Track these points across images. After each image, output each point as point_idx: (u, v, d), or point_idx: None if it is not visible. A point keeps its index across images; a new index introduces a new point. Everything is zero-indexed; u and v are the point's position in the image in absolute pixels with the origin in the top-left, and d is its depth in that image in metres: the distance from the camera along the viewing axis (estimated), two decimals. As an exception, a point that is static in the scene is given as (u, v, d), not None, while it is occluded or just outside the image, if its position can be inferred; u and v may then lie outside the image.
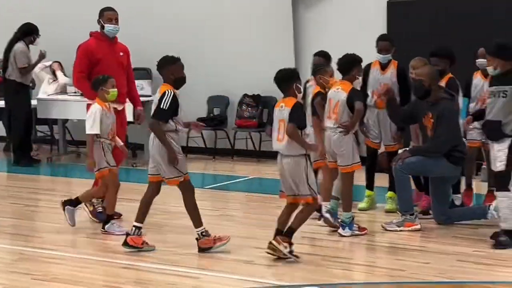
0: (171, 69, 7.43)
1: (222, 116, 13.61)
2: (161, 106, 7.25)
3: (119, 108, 8.82)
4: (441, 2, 11.88)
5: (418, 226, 8.10)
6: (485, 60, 7.86)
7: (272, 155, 11.12)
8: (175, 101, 7.29)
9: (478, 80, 9.02)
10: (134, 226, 7.48)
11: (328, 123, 8.02)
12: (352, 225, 7.93)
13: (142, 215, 7.53)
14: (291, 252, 7.09)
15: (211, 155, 13.57)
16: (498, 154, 7.37)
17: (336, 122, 7.90)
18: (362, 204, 9.06)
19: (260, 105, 13.19)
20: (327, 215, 8.13)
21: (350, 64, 8.01)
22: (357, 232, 7.89)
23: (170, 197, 8.54)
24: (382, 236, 7.97)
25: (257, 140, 13.25)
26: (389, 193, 9.04)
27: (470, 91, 9.09)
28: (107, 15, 8.78)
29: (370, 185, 9.22)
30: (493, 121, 7.43)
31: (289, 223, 7.20)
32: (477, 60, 9.02)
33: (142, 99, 12.69)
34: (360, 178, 8.89)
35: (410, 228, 8.04)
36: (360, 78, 8.19)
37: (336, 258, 7.34)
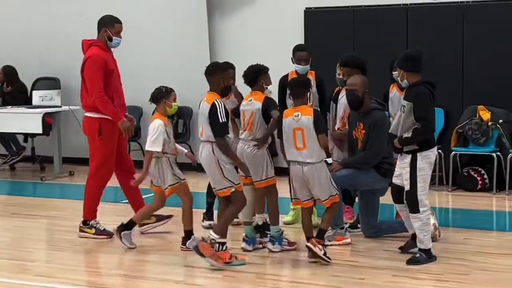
0: (223, 76, 7.38)
1: (135, 127, 13.22)
2: (221, 121, 7.14)
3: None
4: (359, 11, 11.82)
5: (349, 240, 7.93)
6: None
7: (189, 167, 10.78)
8: (226, 110, 7.26)
9: (394, 93, 8.59)
10: (217, 242, 7.16)
11: (242, 135, 7.74)
12: (281, 239, 7.71)
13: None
14: (325, 254, 7.22)
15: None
16: (403, 171, 7.28)
17: (251, 133, 7.65)
18: (287, 217, 8.85)
19: (175, 116, 12.85)
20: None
21: (255, 74, 7.72)
22: (286, 247, 7.68)
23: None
24: (312, 251, 7.74)
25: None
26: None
27: (388, 105, 8.66)
28: (118, 28, 8.45)
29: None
30: (391, 135, 7.37)
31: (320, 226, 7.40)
32: (393, 72, 8.43)
33: (51, 110, 12.45)
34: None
35: (340, 242, 7.86)
36: (270, 87, 7.87)
37: (267, 275, 7.13)
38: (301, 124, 7.27)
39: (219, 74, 7.34)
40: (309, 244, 7.23)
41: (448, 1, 11.35)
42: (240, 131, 7.80)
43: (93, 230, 8.34)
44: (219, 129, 7.16)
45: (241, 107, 7.79)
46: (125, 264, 7.13)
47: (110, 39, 8.40)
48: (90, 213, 8.39)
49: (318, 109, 8.60)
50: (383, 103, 8.19)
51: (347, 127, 8.27)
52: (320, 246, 7.20)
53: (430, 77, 7.35)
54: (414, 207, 7.22)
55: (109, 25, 8.40)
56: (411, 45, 11.17)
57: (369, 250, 7.72)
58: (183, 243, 7.75)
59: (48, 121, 12.34)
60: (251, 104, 7.67)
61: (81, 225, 8.40)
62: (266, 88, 7.73)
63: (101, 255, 7.72)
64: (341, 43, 11.57)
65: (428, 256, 7.27)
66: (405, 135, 7.18)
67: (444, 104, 10.64)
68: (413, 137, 7.14)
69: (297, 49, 8.87)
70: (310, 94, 7.48)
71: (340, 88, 8.54)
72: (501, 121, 10.73)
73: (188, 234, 7.78)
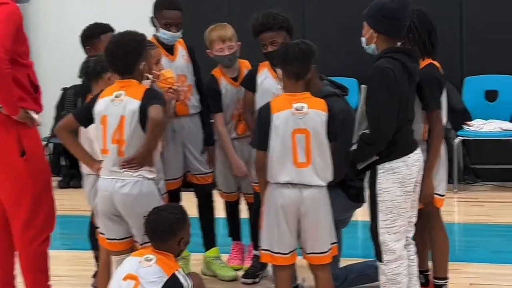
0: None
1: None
2: None
3: None
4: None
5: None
6: None
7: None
8: None
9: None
10: None
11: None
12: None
13: None
14: None
15: None
16: None
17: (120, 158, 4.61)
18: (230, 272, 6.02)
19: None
20: None
21: (135, 51, 4.61)
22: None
23: None
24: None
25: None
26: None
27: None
28: None
29: None
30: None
31: None
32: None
33: None
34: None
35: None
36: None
37: None
38: (308, 123, 4.48)
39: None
40: None
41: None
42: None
43: None
44: None
45: (99, 109, 4.56)
46: None
47: None
48: None
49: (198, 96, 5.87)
50: (342, 85, 5.37)
51: None
52: None
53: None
54: (377, 253, 4.61)
55: None
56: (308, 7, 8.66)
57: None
58: None
59: None
60: (121, 103, 4.52)
61: None
62: (148, 77, 4.74)
63: None
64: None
65: None
66: (353, 147, 4.61)
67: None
68: (359, 151, 4.57)
69: (165, 6, 5.69)
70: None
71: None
72: None
73: None
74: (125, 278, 4.19)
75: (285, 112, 4.47)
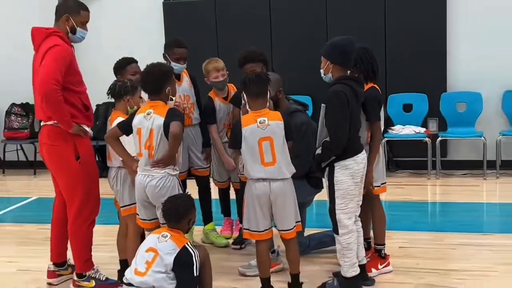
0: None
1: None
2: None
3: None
4: (221, 2, 8.63)
5: (281, 266, 5.04)
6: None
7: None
8: None
9: None
10: None
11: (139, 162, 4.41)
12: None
13: None
14: None
15: (-22, 170, 9.41)
16: None
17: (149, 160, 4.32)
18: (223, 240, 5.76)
19: (31, 114, 9.26)
20: None
21: (162, 78, 4.34)
22: None
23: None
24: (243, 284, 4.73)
25: (30, 152, 9.30)
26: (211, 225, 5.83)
27: None
28: (85, 16, 4.63)
29: None
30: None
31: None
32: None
33: None
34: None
35: (272, 270, 4.85)
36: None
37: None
38: (270, 132, 4.20)
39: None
40: None
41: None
42: (135, 156, 4.42)
43: (93, 283, 4.77)
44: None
45: (135, 123, 4.35)
46: None
47: (74, 31, 4.64)
48: (82, 264, 4.78)
49: (198, 111, 5.59)
50: (304, 102, 5.23)
51: None
52: None
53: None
54: (334, 227, 4.42)
55: (74, 12, 4.61)
56: (275, 36, 8.42)
57: (311, 277, 4.81)
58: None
59: None
60: (150, 119, 4.30)
61: (75, 278, 4.79)
62: (172, 99, 4.42)
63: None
64: (204, 36, 8.56)
65: (345, 286, 4.47)
66: (318, 151, 4.39)
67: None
68: (322, 154, 4.34)
69: (175, 45, 5.42)
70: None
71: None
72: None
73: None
74: (147, 251, 3.98)
75: (251, 126, 4.23)
